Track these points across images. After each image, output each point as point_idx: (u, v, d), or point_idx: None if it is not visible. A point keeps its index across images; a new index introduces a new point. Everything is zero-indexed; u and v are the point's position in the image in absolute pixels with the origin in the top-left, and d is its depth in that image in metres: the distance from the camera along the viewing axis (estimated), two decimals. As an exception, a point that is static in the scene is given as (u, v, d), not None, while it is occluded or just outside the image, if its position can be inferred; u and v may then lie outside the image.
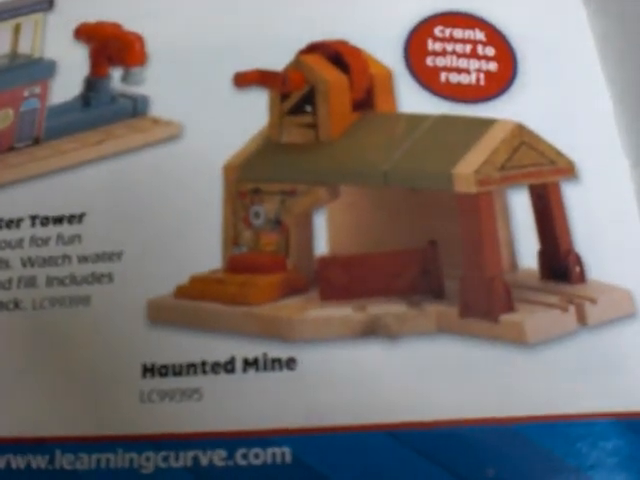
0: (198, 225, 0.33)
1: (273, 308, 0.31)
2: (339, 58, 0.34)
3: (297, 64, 0.34)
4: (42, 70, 0.37)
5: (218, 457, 0.28)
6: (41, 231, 0.33)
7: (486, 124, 0.33)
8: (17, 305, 0.32)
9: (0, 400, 0.30)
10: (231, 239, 0.33)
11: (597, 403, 0.29)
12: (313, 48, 0.35)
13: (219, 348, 0.30)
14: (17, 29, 0.38)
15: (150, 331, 0.31)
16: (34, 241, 0.33)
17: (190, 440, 0.29)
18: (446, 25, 0.36)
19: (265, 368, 0.30)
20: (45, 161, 0.35)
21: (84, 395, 0.30)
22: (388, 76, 0.35)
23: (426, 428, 0.28)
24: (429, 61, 0.36)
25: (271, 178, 0.33)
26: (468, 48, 0.36)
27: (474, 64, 0.35)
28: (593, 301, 0.31)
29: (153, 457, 0.29)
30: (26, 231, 0.33)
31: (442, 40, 0.36)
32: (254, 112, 0.34)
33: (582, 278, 0.32)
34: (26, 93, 0.36)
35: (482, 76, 0.35)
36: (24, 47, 0.37)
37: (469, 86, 0.35)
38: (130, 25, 0.37)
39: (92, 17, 0.37)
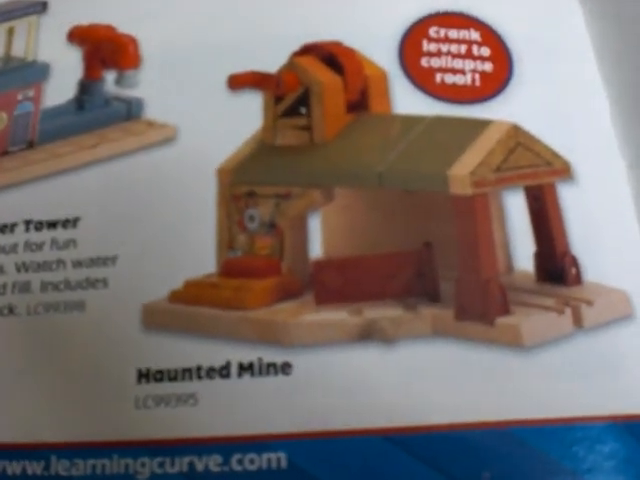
0: (193, 229, 0.32)
1: (268, 312, 0.31)
2: (333, 59, 0.34)
3: (291, 66, 0.34)
4: (36, 73, 0.37)
5: (214, 462, 0.28)
6: (35, 236, 0.33)
7: (481, 125, 0.32)
8: (11, 311, 0.32)
9: (-5, 406, 0.30)
10: (226, 243, 0.33)
11: (594, 406, 0.29)
12: (307, 49, 0.34)
13: (214, 353, 0.30)
14: (10, 32, 0.38)
15: (145, 336, 0.31)
16: (28, 246, 0.33)
17: (185, 445, 0.29)
18: (441, 25, 0.36)
19: (260, 373, 0.30)
20: (39, 165, 0.35)
21: (79, 401, 0.30)
22: (383, 77, 0.34)
23: (422, 432, 0.28)
24: (424, 62, 0.35)
25: (265, 181, 0.33)
26: (463, 48, 0.36)
27: (469, 65, 0.35)
28: (589, 303, 0.31)
29: (149, 463, 0.29)
30: (20, 236, 0.33)
31: (437, 41, 0.36)
32: (248, 114, 0.34)
33: (578, 280, 0.32)
34: (20, 96, 0.36)
35: (477, 77, 0.35)
36: (18, 50, 0.37)
37: (464, 87, 0.35)
38: (124, 27, 0.37)
39: (86, 19, 0.37)
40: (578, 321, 0.31)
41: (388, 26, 0.36)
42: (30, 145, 0.36)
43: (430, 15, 0.36)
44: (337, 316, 0.31)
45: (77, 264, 0.32)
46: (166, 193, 0.33)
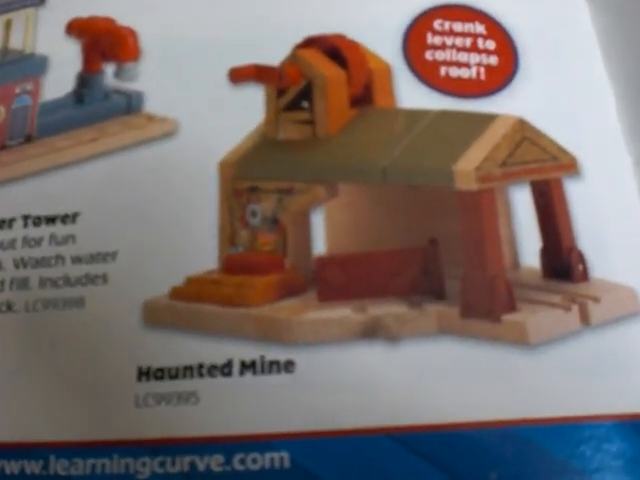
0: (194, 224, 0.32)
1: (271, 309, 0.31)
2: (336, 52, 0.34)
3: (294, 59, 0.33)
4: (34, 66, 0.36)
5: (215, 462, 0.28)
6: (34, 231, 0.32)
7: (487, 119, 0.32)
8: (10, 307, 0.31)
9: (-7, 404, 0.30)
10: (227, 239, 0.33)
11: (601, 404, 0.28)
12: (310, 42, 0.34)
13: (216, 351, 0.30)
14: (8, 25, 0.37)
15: (145, 333, 0.30)
16: (27, 242, 0.32)
17: (187, 445, 0.28)
18: (445, 18, 0.36)
19: (263, 371, 0.29)
20: (37, 159, 0.34)
21: (78, 399, 0.29)
22: (387, 71, 0.34)
23: (427, 431, 0.28)
24: (428, 55, 0.35)
25: (268, 176, 0.33)
26: (468, 42, 0.35)
27: (474, 58, 0.35)
28: (596, 300, 0.30)
29: (149, 462, 0.28)
30: (18, 231, 0.33)
31: (442, 34, 0.35)
32: (250, 108, 0.34)
33: (585, 276, 0.31)
34: (18, 90, 0.36)
35: (482, 70, 0.34)
36: (15, 43, 0.37)
37: (469, 80, 0.34)
38: (123, 20, 0.37)
39: (84, 12, 0.37)
40: (585, 318, 0.30)
41: (392, 19, 0.36)
42: (28, 139, 0.36)
43: (435, 7, 0.36)
44: (341, 313, 0.30)
45: (76, 260, 0.32)
46: (167, 188, 0.33)
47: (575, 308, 0.30)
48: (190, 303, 0.31)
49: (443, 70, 0.35)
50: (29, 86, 0.36)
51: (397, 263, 0.31)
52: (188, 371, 0.29)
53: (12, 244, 0.32)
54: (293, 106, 0.33)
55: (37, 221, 0.33)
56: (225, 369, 0.29)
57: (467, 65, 0.35)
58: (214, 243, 0.32)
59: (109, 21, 0.36)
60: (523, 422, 0.28)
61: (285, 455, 0.28)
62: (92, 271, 0.31)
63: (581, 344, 0.29)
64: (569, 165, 0.32)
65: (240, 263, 0.32)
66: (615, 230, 0.32)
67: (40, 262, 0.32)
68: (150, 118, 0.35)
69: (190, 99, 0.34)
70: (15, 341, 0.31)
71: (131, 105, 0.36)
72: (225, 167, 0.33)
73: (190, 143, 0.34)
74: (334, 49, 0.34)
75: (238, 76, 0.34)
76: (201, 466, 0.28)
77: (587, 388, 0.29)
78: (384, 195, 0.33)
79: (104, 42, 0.36)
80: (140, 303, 0.31)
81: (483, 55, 0.35)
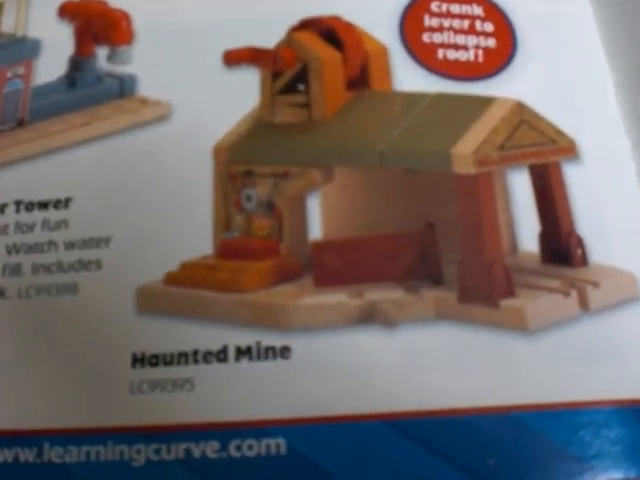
0: (188, 209, 0.32)
1: (266, 295, 0.31)
2: (332, 34, 0.33)
3: (289, 41, 0.33)
4: (26, 50, 0.36)
5: (211, 449, 0.28)
6: (26, 217, 0.32)
7: (485, 102, 0.32)
8: (2, 294, 0.31)
9: (-15, 392, 0.29)
10: (222, 223, 0.32)
11: (600, 390, 0.28)
12: (305, 24, 0.34)
13: (211, 337, 0.29)
14: (0, 8, 0.37)
15: (140, 319, 0.30)
16: (19, 227, 0.32)
17: (182, 431, 0.28)
18: (443, 0, 0.35)
19: (259, 357, 0.29)
20: (29, 144, 0.34)
21: (72, 386, 0.29)
22: (383, 53, 0.34)
23: (425, 417, 0.28)
24: (426, 37, 0.35)
25: (263, 160, 0.33)
26: (466, 24, 0.35)
27: (472, 40, 0.34)
28: (595, 285, 0.30)
29: (144, 449, 0.28)
30: (10, 217, 0.32)
31: (439, 15, 0.35)
32: (245, 91, 0.33)
33: (584, 261, 0.31)
34: (9, 74, 0.35)
35: (480, 53, 0.34)
36: (7, 26, 0.36)
37: (467, 63, 0.34)
38: (116, 2, 0.36)
39: (77, -6, 0.36)
40: (584, 303, 0.30)
41: (389, 0, 0.35)
42: (20, 123, 0.35)
43: (432, -11, 0.36)
44: (337, 298, 0.30)
45: (69, 245, 0.31)
46: (160, 172, 0.32)
47: (574, 293, 0.30)
48: (185, 289, 0.31)
49: (441, 52, 0.34)
50: (21, 70, 0.35)
51: (394, 247, 0.31)
52: (183, 357, 0.29)
53: (4, 230, 0.32)
54: (289, 89, 0.33)
55: (29, 206, 0.32)
56: (220, 355, 0.29)
57: (465, 47, 0.34)
58: (209, 228, 0.32)
59: (102, 4, 0.36)
60: (521, 408, 0.28)
61: (281, 441, 0.28)
62: (85, 257, 0.31)
63: (580, 329, 0.29)
64: (568, 149, 0.32)
65: (235, 248, 0.32)
66: (614, 214, 0.31)
67: (33, 248, 0.32)
68: (143, 102, 0.35)
69: (184, 82, 0.34)
70: (8, 328, 0.30)
71: (124, 89, 0.36)
72: (219, 151, 0.33)
73: (184, 127, 0.33)
74: (330, 31, 0.33)
75: (233, 59, 0.33)
76: (196, 453, 0.28)
77: (586, 373, 0.28)
78: (381, 179, 0.33)
79: (97, 25, 0.36)
80: (134, 289, 0.30)
81: (481, 37, 0.35)
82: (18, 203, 0.32)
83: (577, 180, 0.32)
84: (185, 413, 0.28)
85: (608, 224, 0.31)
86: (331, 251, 0.31)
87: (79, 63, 0.36)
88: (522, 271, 0.31)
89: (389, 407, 0.28)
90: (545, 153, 0.32)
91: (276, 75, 0.33)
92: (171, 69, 0.34)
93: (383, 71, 0.33)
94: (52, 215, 0.32)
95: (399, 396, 0.28)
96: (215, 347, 0.29)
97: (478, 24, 0.35)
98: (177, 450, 0.28)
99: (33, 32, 0.36)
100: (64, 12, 0.36)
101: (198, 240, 0.31)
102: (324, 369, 0.29)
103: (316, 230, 0.32)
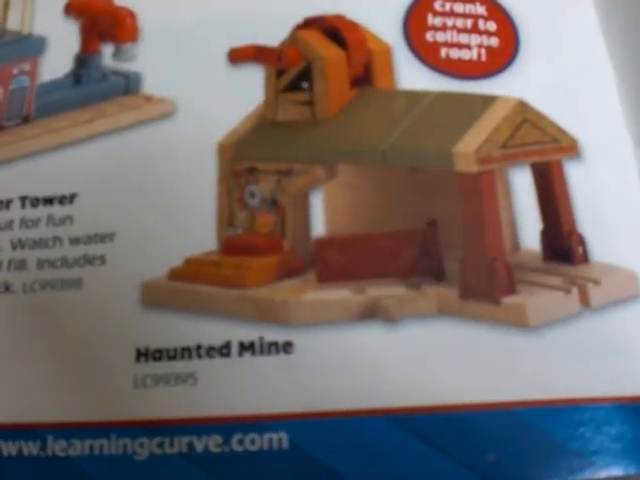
0: (192, 205, 0.32)
1: (269, 291, 0.31)
2: (336, 33, 0.33)
3: (293, 39, 0.33)
4: (32, 47, 0.36)
5: (214, 443, 0.28)
6: (31, 212, 0.32)
7: (487, 101, 0.32)
8: (7, 288, 0.31)
9: (-10, 385, 0.30)
10: (226, 220, 0.32)
11: (601, 387, 0.28)
12: (309, 23, 0.34)
13: (214, 332, 0.30)
14: (6, 5, 0.37)
15: (144, 314, 0.30)
16: (24, 222, 0.32)
17: (185, 426, 0.28)
18: (446, -1, 0.36)
19: (261, 352, 0.29)
20: (35, 140, 0.34)
21: (76, 380, 0.29)
22: (387, 52, 0.34)
23: (426, 413, 0.28)
24: (429, 36, 0.35)
25: (267, 157, 0.33)
26: (469, 23, 0.35)
27: (475, 39, 0.35)
28: (596, 282, 0.30)
29: (147, 443, 0.28)
30: (16, 212, 0.32)
31: (442, 15, 0.35)
32: (249, 89, 0.34)
33: (585, 259, 0.31)
34: (15, 70, 0.36)
35: (483, 52, 0.34)
36: (13, 23, 0.36)
37: (470, 62, 0.34)
38: (121, 0, 0.36)
39: (82, -8, 0.37)
40: (585, 301, 0.30)
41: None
42: (26, 120, 0.36)
43: (435, -12, 0.36)
44: (339, 295, 0.30)
45: (74, 241, 0.32)
46: (165, 169, 0.33)
47: (575, 290, 0.30)
48: (188, 284, 0.31)
49: (444, 51, 0.34)
50: (27, 67, 0.36)
51: (396, 245, 0.31)
52: (186, 352, 0.29)
53: (10, 225, 0.32)
54: (292, 87, 0.33)
55: (35, 202, 0.32)
56: (223, 350, 0.29)
57: (468, 46, 0.34)
58: (213, 224, 0.32)
59: (107, 1, 0.36)
60: (522, 404, 0.28)
61: (283, 436, 0.28)
62: (90, 252, 0.31)
63: (581, 326, 0.29)
64: (570, 147, 0.32)
65: (239, 244, 0.32)
66: (615, 212, 0.32)
67: (38, 243, 0.32)
68: (148, 99, 0.35)
69: (188, 80, 0.34)
70: (13, 322, 0.30)
71: (129, 86, 0.36)
72: (224, 148, 0.33)
73: (188, 124, 0.33)
74: (334, 30, 0.33)
75: (237, 57, 0.34)
76: (199, 447, 0.28)
77: (587, 370, 0.28)
78: (383, 176, 0.33)
79: (102, 23, 0.36)
80: (138, 284, 0.30)
81: (484, 36, 0.35)
82: (23, 199, 0.33)
83: (579, 178, 0.32)
84: (188, 407, 0.29)
85: (609, 222, 0.31)
86: (334, 248, 0.31)
87: (84, 60, 0.36)
88: (523, 268, 0.31)
89: (391, 403, 0.28)
90: (547, 152, 0.32)
91: (280, 73, 0.33)
92: (175, 66, 0.35)
93: (386, 70, 0.34)
94: (57, 211, 0.32)
95: (401, 392, 0.28)
96: (218, 342, 0.29)
97: (481, 23, 0.35)
98: (180, 444, 0.28)
99: (39, 29, 0.36)
100: (70, 10, 0.36)
101: (202, 236, 0.31)
102: (326, 365, 0.29)
103: (319, 227, 0.32)
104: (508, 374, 0.28)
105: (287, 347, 0.29)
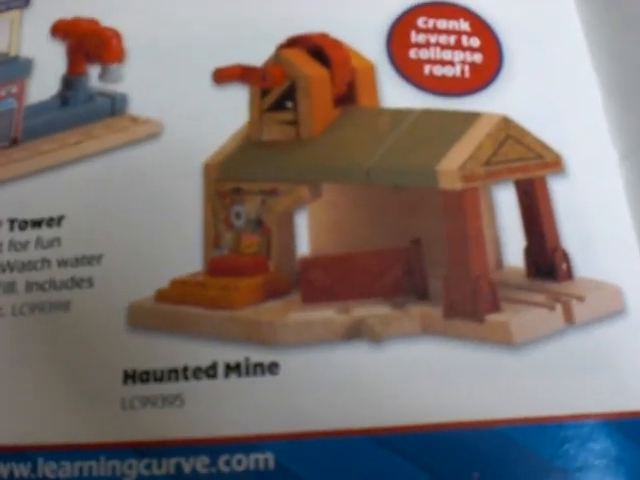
0: (179, 226, 0.32)
1: (255, 312, 0.31)
2: (320, 52, 0.33)
3: (277, 59, 0.33)
4: (19, 69, 0.36)
5: (201, 464, 0.28)
6: (20, 235, 0.33)
7: (471, 118, 0.32)
8: (-3, 311, 0.31)
9: (-20, 409, 0.30)
10: (212, 241, 0.33)
11: (585, 404, 0.28)
12: (293, 42, 0.34)
13: (201, 353, 0.30)
14: (-7, 27, 0.37)
15: (131, 336, 0.30)
16: (13, 245, 0.32)
17: (172, 447, 0.28)
18: (429, 16, 0.36)
19: (247, 373, 0.29)
20: (23, 162, 0.34)
21: (65, 402, 0.29)
22: (370, 69, 0.34)
23: (411, 432, 0.28)
24: (412, 53, 0.35)
25: (251, 177, 0.33)
26: (452, 39, 0.35)
27: (459, 55, 0.35)
28: (581, 299, 0.30)
29: (135, 464, 0.28)
30: (4, 235, 0.33)
31: (425, 31, 0.35)
32: (234, 109, 0.34)
33: (569, 275, 0.31)
34: (3, 93, 0.36)
35: (467, 68, 0.34)
36: (0, 45, 0.37)
37: (453, 79, 0.34)
38: (107, 21, 0.36)
39: (69, 13, 0.37)
40: (569, 317, 0.30)
41: (375, 17, 0.35)
42: (14, 142, 0.36)
43: (418, 5, 0.36)
44: (324, 315, 0.30)
45: (62, 263, 0.32)
46: (151, 190, 0.33)
47: (559, 307, 0.30)
48: (175, 305, 0.31)
49: (427, 68, 0.34)
50: (14, 89, 0.36)
51: (380, 264, 0.31)
52: (173, 374, 0.29)
53: (-2, 248, 0.33)
54: (277, 106, 0.33)
55: (23, 225, 0.33)
56: (210, 371, 0.29)
57: (451, 63, 0.34)
58: (199, 245, 0.32)
59: (93, 22, 0.36)
60: (506, 422, 0.28)
61: (270, 456, 0.28)
62: (78, 274, 0.31)
63: (565, 343, 0.29)
64: (554, 163, 0.32)
65: (224, 265, 0.32)
66: (600, 228, 0.32)
67: (26, 266, 0.32)
68: (134, 120, 0.35)
69: (174, 100, 0.34)
70: (2, 345, 0.31)
71: (115, 107, 0.36)
72: (209, 169, 0.33)
73: (175, 144, 0.33)
74: (317, 48, 0.33)
75: (222, 77, 0.34)
76: (187, 468, 0.28)
77: (571, 387, 0.29)
78: (368, 195, 0.33)
79: (89, 44, 0.36)
80: (125, 306, 0.31)
81: (467, 53, 0.35)
82: (12, 221, 0.33)
83: (563, 194, 0.32)
84: (175, 429, 0.29)
85: (594, 237, 0.31)
86: (318, 268, 0.32)
87: (71, 82, 0.36)
88: (507, 286, 0.31)
89: (376, 422, 0.28)
90: (531, 168, 0.32)
91: (265, 93, 0.33)
92: (161, 87, 0.35)
93: (370, 88, 0.34)
94: (45, 233, 0.32)
95: (386, 411, 0.28)
96: (205, 363, 0.29)
97: (464, 39, 0.35)
98: (168, 465, 0.28)
99: (26, 51, 0.36)
100: (56, 31, 0.36)
101: (188, 257, 0.32)
102: (312, 385, 0.29)
103: (304, 246, 0.32)
104: (492, 392, 0.28)
105: (273, 368, 0.29)
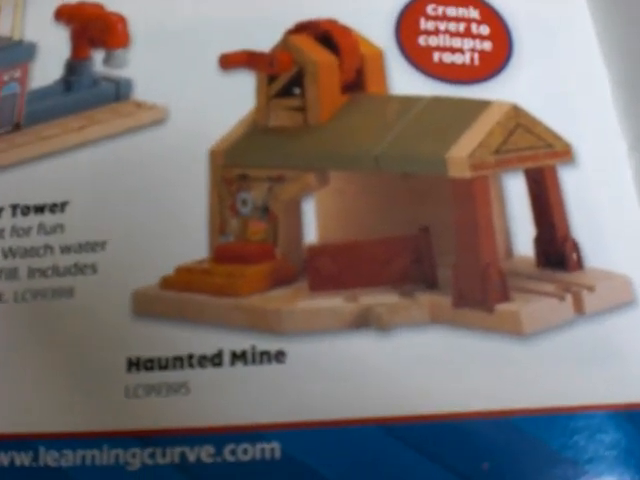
0: (184, 213, 0.32)
1: (261, 299, 0.31)
2: (328, 38, 0.33)
3: (285, 45, 0.33)
4: (22, 53, 0.36)
5: (206, 453, 0.28)
6: (22, 221, 0.32)
7: (481, 106, 0.32)
8: (-1, 298, 0.31)
9: (-19, 396, 0.30)
10: (218, 228, 0.32)
11: (595, 395, 0.28)
12: (301, 28, 0.34)
13: (206, 341, 0.29)
14: (-4, 10, 0.37)
15: (135, 324, 0.30)
16: (15, 231, 0.32)
17: (177, 436, 0.28)
18: (439, 3, 0.35)
19: (254, 361, 0.29)
20: (25, 148, 0.34)
21: (68, 390, 0.29)
22: (379, 56, 0.34)
23: (419, 422, 0.28)
24: (421, 40, 0.34)
25: (258, 163, 0.33)
26: (462, 27, 0.35)
27: (468, 43, 0.34)
28: (591, 289, 0.30)
29: (139, 453, 0.28)
30: (7, 221, 0.32)
31: (435, 19, 0.35)
32: (241, 95, 0.33)
33: (579, 265, 0.31)
34: (6, 77, 0.35)
35: (476, 56, 0.34)
36: (4, 29, 0.36)
37: (463, 66, 0.34)
38: (112, 6, 0.36)
39: (73, -3, 0.36)
40: (579, 307, 0.30)
41: (385, 3, 0.35)
42: (16, 127, 0.35)
43: (428, -8, 0.36)
44: (332, 303, 0.30)
45: (65, 249, 0.31)
46: (156, 176, 0.32)
47: (569, 297, 0.30)
48: (180, 293, 0.31)
49: (436, 56, 0.34)
50: (17, 73, 0.35)
51: (389, 252, 0.31)
52: (178, 361, 0.29)
53: (0, 234, 0.32)
54: (284, 93, 0.33)
55: (25, 210, 0.32)
56: (215, 359, 0.29)
57: (461, 51, 0.34)
58: (204, 232, 0.32)
59: (98, 7, 0.36)
60: (516, 412, 0.28)
61: (276, 446, 0.28)
62: (81, 261, 0.31)
63: (575, 333, 0.29)
64: (564, 152, 0.32)
65: (230, 252, 0.32)
66: (610, 218, 0.31)
67: (29, 252, 0.32)
68: (139, 105, 0.35)
69: (180, 86, 0.34)
70: (4, 332, 0.30)
71: (120, 92, 0.35)
72: (215, 155, 0.33)
73: (180, 131, 0.33)
74: (326, 34, 0.33)
75: (229, 62, 0.33)
76: (192, 457, 0.28)
77: (581, 378, 0.28)
78: (376, 183, 0.33)
79: (93, 28, 0.36)
80: (130, 293, 0.30)
81: (477, 40, 0.34)
82: (14, 207, 0.32)
83: (573, 183, 0.32)
84: (180, 417, 0.28)
85: (604, 227, 0.31)
86: (326, 255, 0.31)
87: (75, 66, 0.36)
88: (517, 275, 0.31)
89: (384, 412, 0.28)
90: (541, 157, 0.32)
91: (272, 79, 0.33)
92: (167, 73, 0.34)
93: (379, 75, 0.33)
94: (48, 219, 0.32)
95: (394, 401, 0.28)
96: (210, 351, 0.29)
97: (474, 27, 0.35)
98: (172, 454, 0.28)
99: (29, 35, 0.36)
100: (60, 15, 0.36)
101: (193, 244, 0.31)
102: (319, 373, 0.29)
103: (311, 234, 0.32)
104: (502, 382, 0.28)
105: (279, 356, 0.29)
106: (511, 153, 0.31)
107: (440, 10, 0.35)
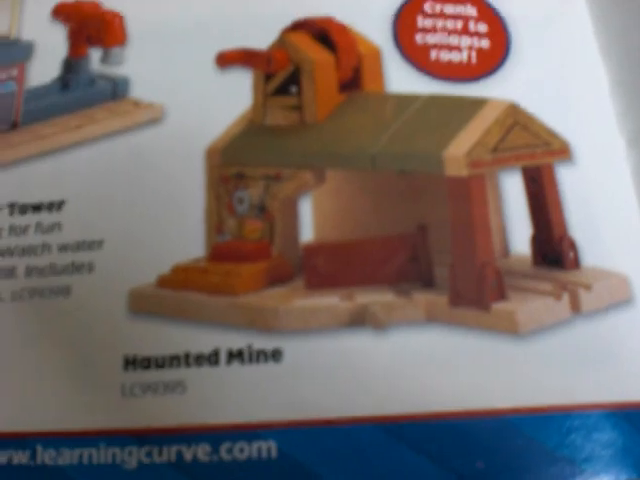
0: (181, 212, 0.32)
1: (258, 298, 0.31)
2: (325, 36, 0.33)
3: (282, 43, 0.33)
4: (19, 52, 0.36)
5: (202, 452, 0.28)
6: (20, 219, 0.32)
7: (478, 104, 0.32)
8: (-4, 296, 0.31)
9: (-22, 395, 0.30)
10: (214, 226, 0.32)
11: (591, 394, 0.28)
12: (298, 26, 0.34)
13: (203, 339, 0.29)
14: (-6, 9, 0.37)
15: (132, 322, 0.30)
16: (13, 230, 0.32)
17: (174, 434, 0.28)
18: (436, 1, 0.35)
19: (250, 360, 0.29)
20: (23, 146, 0.34)
21: (65, 389, 0.29)
22: (376, 54, 0.34)
23: (415, 420, 0.28)
24: (419, 38, 0.34)
25: (255, 162, 0.32)
26: (459, 24, 0.35)
27: (465, 41, 0.34)
28: (587, 288, 0.30)
29: (136, 452, 0.28)
30: (4, 220, 0.32)
31: (432, 16, 0.35)
32: (238, 93, 0.33)
33: (576, 264, 0.31)
34: (3, 76, 0.35)
35: (474, 54, 0.34)
36: (1, 28, 0.36)
37: (460, 64, 0.34)
38: (109, 4, 0.36)
39: (70, -5, 0.36)
40: (576, 306, 0.30)
41: (382, 1, 0.35)
42: (14, 126, 0.35)
43: (425, -10, 0.35)
44: (328, 301, 0.30)
45: (62, 248, 0.31)
46: (153, 175, 0.32)
47: (566, 296, 0.30)
48: (177, 291, 0.31)
49: (434, 54, 0.34)
50: (14, 72, 0.35)
51: (385, 250, 0.31)
52: (175, 360, 0.29)
53: (-2, 232, 0.32)
54: (281, 91, 0.33)
55: (23, 209, 0.32)
56: (212, 358, 0.29)
57: (458, 48, 0.34)
58: (201, 231, 0.32)
59: (95, 5, 0.36)
60: (512, 411, 0.28)
61: (272, 444, 0.28)
62: (78, 259, 0.31)
63: (572, 332, 0.29)
64: (561, 150, 0.32)
65: (227, 251, 0.32)
66: (607, 216, 0.31)
67: (26, 250, 0.32)
68: (136, 104, 0.35)
69: (177, 84, 0.34)
70: (1, 330, 0.30)
71: (117, 91, 0.36)
72: (212, 153, 0.33)
73: (177, 129, 0.33)
74: (323, 32, 0.33)
75: (225, 60, 0.33)
76: (188, 455, 0.28)
77: (577, 377, 0.28)
78: (372, 181, 0.33)
79: (90, 26, 0.36)
80: (126, 291, 0.30)
81: (474, 38, 0.34)
82: (12, 206, 0.32)
83: (571, 182, 0.32)
84: (177, 416, 0.28)
85: (601, 225, 0.31)
86: (322, 254, 0.31)
87: (72, 65, 0.36)
88: (513, 274, 0.31)
89: (380, 410, 0.28)
90: (538, 155, 0.31)
91: (269, 77, 0.33)
92: (164, 71, 0.34)
93: (376, 73, 0.33)
94: (45, 218, 0.32)
95: (390, 399, 0.28)
96: (207, 350, 0.29)
97: (472, 25, 0.35)
98: (169, 453, 0.28)
99: (26, 34, 0.36)
100: (58, 13, 0.36)
101: (190, 243, 0.31)
102: (315, 372, 0.29)
103: (308, 233, 0.32)
104: (498, 381, 0.28)
105: (276, 354, 0.29)
106: (508, 151, 0.31)
107: (437, 8, 0.35)
